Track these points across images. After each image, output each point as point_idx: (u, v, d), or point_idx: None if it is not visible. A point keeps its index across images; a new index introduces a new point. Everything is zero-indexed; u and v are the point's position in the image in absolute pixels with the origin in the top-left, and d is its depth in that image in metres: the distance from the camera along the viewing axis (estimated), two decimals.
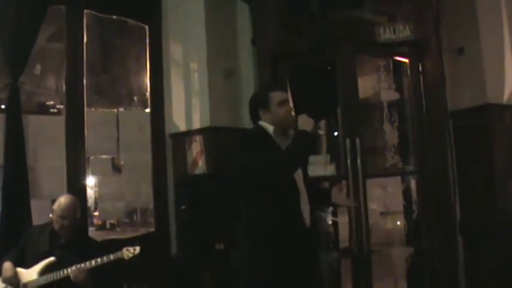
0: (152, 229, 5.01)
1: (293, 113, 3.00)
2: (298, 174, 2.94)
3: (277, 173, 2.83)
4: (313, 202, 3.02)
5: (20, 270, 3.51)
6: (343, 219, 4.60)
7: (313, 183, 3.25)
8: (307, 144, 2.90)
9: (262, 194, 2.85)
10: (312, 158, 4.32)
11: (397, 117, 4.53)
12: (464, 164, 4.35)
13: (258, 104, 3.03)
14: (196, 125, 4.76)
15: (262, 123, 3.00)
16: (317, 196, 3.15)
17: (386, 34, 4.17)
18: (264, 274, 2.78)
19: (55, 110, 5.44)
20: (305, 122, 2.88)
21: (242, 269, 2.90)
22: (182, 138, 4.85)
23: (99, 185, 4.97)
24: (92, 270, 3.41)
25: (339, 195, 3.37)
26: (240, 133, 3.53)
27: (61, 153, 4.43)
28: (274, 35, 4.40)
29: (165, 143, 5.01)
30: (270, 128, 2.96)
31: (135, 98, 5.68)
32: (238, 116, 4.82)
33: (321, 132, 2.91)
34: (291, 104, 3.10)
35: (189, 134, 4.79)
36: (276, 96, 2.99)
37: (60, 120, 4.56)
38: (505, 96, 4.40)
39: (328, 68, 4.44)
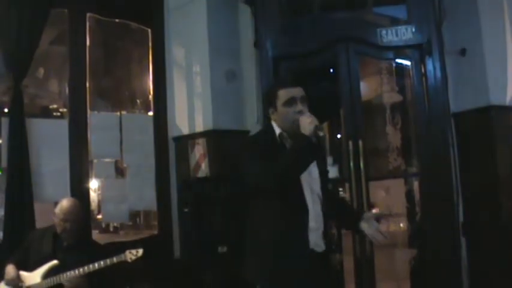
0: (155, 232, 5.02)
1: (304, 115, 2.51)
2: (313, 191, 2.61)
3: (268, 185, 2.47)
4: (339, 223, 2.81)
5: (23, 273, 3.52)
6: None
7: (341, 205, 3.01)
8: (303, 152, 2.44)
9: (262, 206, 2.59)
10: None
11: (399, 119, 4.53)
12: (467, 166, 4.34)
13: (267, 102, 2.70)
14: (199, 128, 4.76)
15: (273, 123, 2.67)
16: (345, 219, 2.89)
17: (388, 36, 4.18)
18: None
19: (58, 114, 5.47)
20: (305, 124, 2.45)
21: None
22: (185, 141, 4.86)
23: (103, 188, 4.98)
24: (94, 273, 3.42)
25: (369, 223, 2.68)
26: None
27: (64, 157, 4.44)
28: (276, 37, 4.40)
29: (168, 146, 5.02)
30: (277, 131, 2.63)
31: (138, 101, 5.69)
32: (241, 118, 4.82)
33: (321, 133, 2.51)
34: (303, 104, 2.60)
35: (192, 137, 4.80)
36: (282, 93, 2.60)
37: (63, 124, 4.57)
38: (508, 98, 4.39)
39: (331, 70, 4.45)
